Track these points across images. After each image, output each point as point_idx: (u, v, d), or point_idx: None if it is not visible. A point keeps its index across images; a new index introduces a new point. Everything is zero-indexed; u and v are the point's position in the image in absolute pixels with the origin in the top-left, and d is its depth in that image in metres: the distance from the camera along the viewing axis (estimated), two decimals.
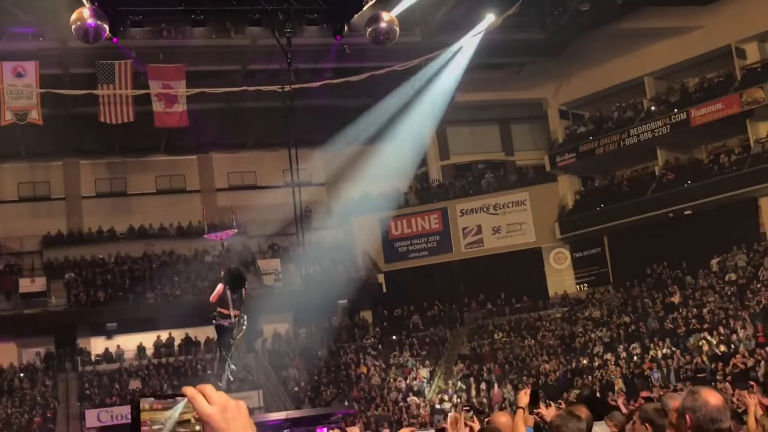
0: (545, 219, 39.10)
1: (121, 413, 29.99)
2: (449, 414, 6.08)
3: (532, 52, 38.14)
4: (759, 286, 31.08)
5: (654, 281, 35.39)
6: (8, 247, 37.77)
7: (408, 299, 38.98)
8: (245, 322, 14.71)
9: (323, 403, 29.50)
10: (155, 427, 1.94)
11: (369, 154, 37.04)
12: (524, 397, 6.60)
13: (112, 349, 35.77)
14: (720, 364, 27.24)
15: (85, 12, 16.09)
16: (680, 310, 32.19)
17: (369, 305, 39.52)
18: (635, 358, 30.54)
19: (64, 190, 39.64)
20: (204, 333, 35.55)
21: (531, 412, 7.04)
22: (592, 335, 33.68)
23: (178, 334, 36.34)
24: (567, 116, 41.27)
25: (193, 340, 36.29)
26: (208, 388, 1.97)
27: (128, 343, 36.06)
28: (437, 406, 31.68)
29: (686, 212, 35.29)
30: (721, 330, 29.32)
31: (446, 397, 32.40)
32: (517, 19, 26.97)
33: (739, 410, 11.64)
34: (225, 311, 14.20)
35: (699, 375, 27.50)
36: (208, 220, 33.36)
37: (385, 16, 17.20)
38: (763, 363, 25.78)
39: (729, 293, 31.74)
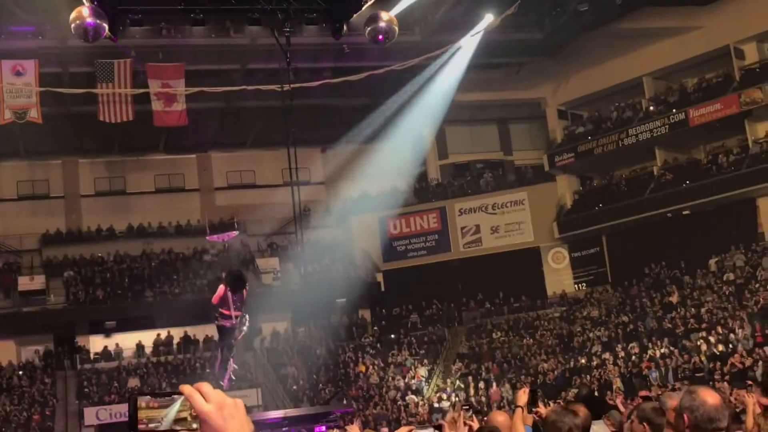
0: (544, 218, 39.11)
1: (120, 411, 30.00)
2: (448, 413, 6.10)
3: (530, 52, 38.15)
4: (757, 285, 31.11)
5: (652, 281, 35.41)
6: (7, 245, 37.76)
7: (406, 298, 38.98)
8: (247, 323, 14.80)
9: (322, 401, 29.52)
10: (152, 425, 1.95)
11: (368, 153, 37.03)
12: (523, 396, 6.60)
13: (111, 348, 35.76)
14: (718, 363, 27.28)
15: (85, 11, 16.07)
16: (678, 310, 32.22)
17: (367, 304, 39.51)
18: (633, 357, 30.58)
19: (63, 188, 39.64)
20: (203, 331, 35.60)
21: (530, 411, 7.05)
22: (591, 335, 33.70)
23: (177, 333, 36.36)
24: (566, 116, 41.27)
25: (192, 338, 36.32)
26: (206, 386, 1.98)
27: (127, 341, 36.07)
28: (435, 405, 31.71)
29: (684, 212, 35.29)
30: (719, 330, 29.35)
31: (444, 396, 32.44)
32: (515, 19, 26.96)
33: (737, 410, 11.65)
34: (226, 312, 14.28)
35: (697, 374, 27.53)
36: (208, 220, 33.48)
37: (384, 15, 17.18)
38: (761, 363, 25.78)
39: (727, 293, 31.77)
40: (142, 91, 28.75)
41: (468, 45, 27.63)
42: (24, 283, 36.03)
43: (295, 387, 33.89)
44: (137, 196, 40.27)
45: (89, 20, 16.07)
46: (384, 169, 36.31)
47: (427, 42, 30.82)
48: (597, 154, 38.28)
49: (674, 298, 33.07)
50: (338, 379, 34.21)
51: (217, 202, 40.75)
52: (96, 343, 36.32)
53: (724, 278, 32.74)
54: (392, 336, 38.00)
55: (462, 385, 33.46)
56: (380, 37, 17.14)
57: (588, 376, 30.38)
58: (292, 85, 21.09)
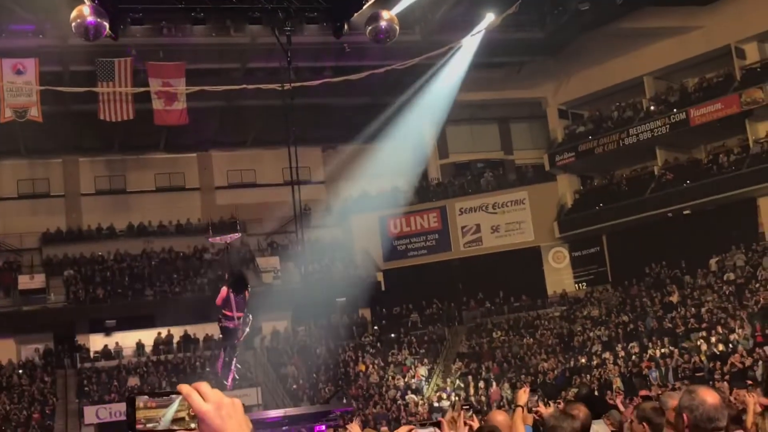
0: (544, 218, 39.10)
1: (120, 410, 30.00)
2: (447, 412, 6.10)
3: (531, 52, 38.13)
4: (757, 285, 31.10)
5: (652, 280, 35.40)
6: (7, 243, 37.77)
7: (407, 297, 38.98)
8: (249, 324, 14.91)
9: (322, 400, 29.50)
10: (150, 425, 1.94)
11: (368, 152, 37.03)
12: (523, 396, 6.60)
13: (111, 346, 35.77)
14: (718, 363, 27.27)
15: (85, 9, 16.05)
16: (679, 310, 32.21)
17: (368, 303, 39.50)
18: (634, 357, 30.57)
19: (63, 187, 39.65)
20: (203, 330, 35.64)
21: (530, 411, 7.04)
22: (591, 334, 33.70)
23: (177, 332, 36.36)
24: (566, 115, 41.27)
25: (192, 337, 36.32)
26: (204, 386, 1.98)
27: (127, 340, 36.08)
28: (435, 404, 31.70)
29: (685, 212, 35.29)
30: (720, 329, 29.34)
31: (444, 396, 32.44)
32: (516, 18, 26.90)
33: (738, 409, 11.63)
34: (229, 313, 14.35)
35: (697, 374, 27.52)
36: (210, 221, 33.48)
37: (385, 14, 17.16)
38: (761, 362, 25.80)
39: (727, 293, 31.77)
40: (142, 89, 28.75)
41: (469, 44, 27.63)
42: (24, 281, 36.05)
43: (295, 386, 33.91)
44: (137, 195, 40.29)
45: (90, 19, 16.05)
46: (384, 168, 36.31)
47: (428, 41, 30.80)
48: (598, 153, 38.28)
49: (674, 298, 33.06)
50: (338, 379, 34.21)
51: (218, 201, 40.78)
52: (96, 342, 36.32)
53: (725, 278, 32.73)
54: (392, 335, 38.01)
55: (462, 385, 33.47)
56: (381, 36, 17.12)
57: (588, 375, 30.37)
58: (292, 84, 21.08)
